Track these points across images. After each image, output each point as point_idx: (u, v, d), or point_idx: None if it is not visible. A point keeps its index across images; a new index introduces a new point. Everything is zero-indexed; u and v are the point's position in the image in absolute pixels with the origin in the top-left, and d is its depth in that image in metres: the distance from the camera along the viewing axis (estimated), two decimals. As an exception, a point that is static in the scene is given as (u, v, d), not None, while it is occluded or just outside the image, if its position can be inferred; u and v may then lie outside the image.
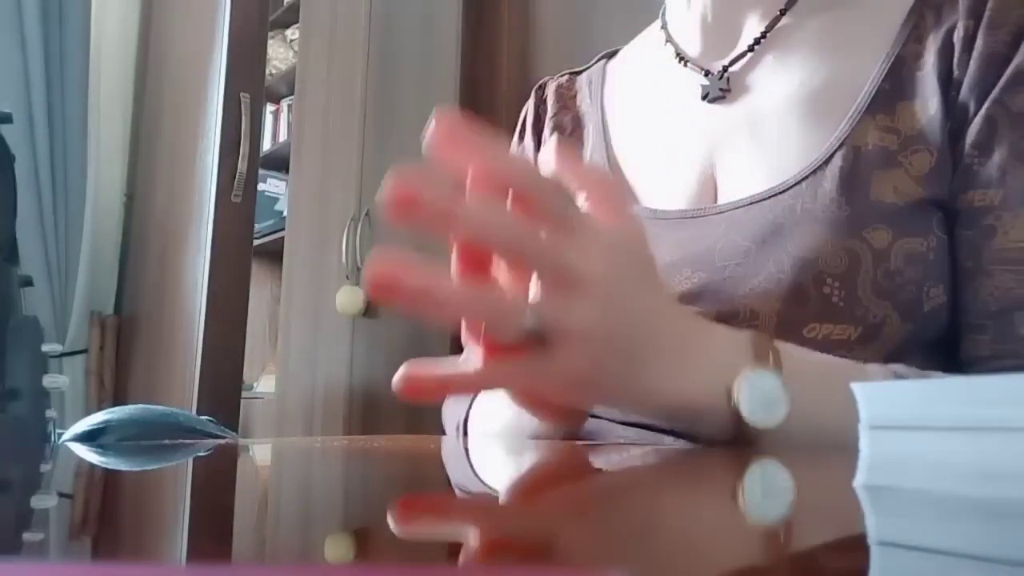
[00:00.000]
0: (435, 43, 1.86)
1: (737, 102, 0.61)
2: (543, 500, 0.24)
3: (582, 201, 0.39)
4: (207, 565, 0.15)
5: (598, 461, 0.38)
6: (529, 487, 0.29)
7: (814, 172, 0.54)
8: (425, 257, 0.33)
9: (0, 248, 1.64)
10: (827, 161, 0.54)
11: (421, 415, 1.52)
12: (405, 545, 0.17)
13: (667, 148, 0.63)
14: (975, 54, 0.52)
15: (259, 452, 0.52)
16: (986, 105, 0.52)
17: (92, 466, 0.38)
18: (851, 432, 0.24)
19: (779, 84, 0.59)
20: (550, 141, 0.40)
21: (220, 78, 2.18)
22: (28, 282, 1.86)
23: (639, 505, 0.22)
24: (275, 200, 2.76)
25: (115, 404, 2.19)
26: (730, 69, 0.61)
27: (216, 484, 0.32)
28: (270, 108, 2.86)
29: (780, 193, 0.55)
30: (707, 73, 0.62)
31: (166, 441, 0.53)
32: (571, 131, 0.71)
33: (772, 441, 0.39)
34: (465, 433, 0.60)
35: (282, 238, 2.28)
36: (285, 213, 2.33)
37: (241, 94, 2.17)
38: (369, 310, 1.90)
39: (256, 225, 2.33)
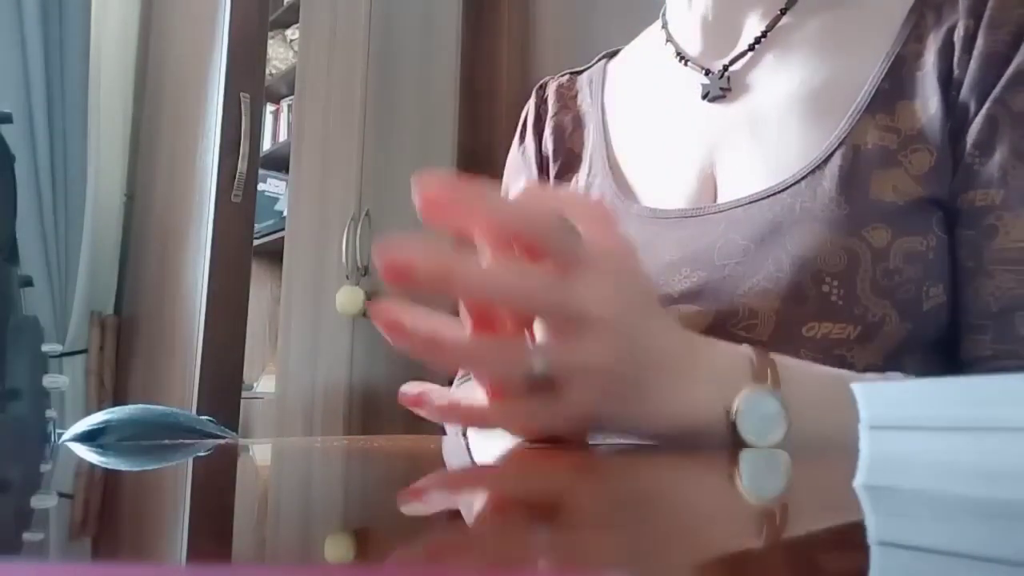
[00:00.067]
0: (435, 43, 1.86)
1: (737, 101, 0.61)
2: (543, 500, 0.24)
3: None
4: (207, 565, 0.15)
5: (598, 460, 0.38)
6: (529, 486, 0.29)
7: (813, 171, 0.54)
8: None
9: (0, 248, 1.64)
10: (827, 160, 0.54)
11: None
12: (405, 545, 0.17)
13: (667, 147, 0.63)
14: (975, 54, 0.52)
15: (259, 452, 0.52)
16: (987, 105, 0.52)
17: (92, 466, 0.38)
18: (851, 447, 0.24)
19: (779, 83, 0.59)
20: (524, 187, 0.40)
21: (220, 78, 2.18)
22: (28, 282, 1.86)
23: (639, 505, 0.22)
24: (275, 200, 2.76)
25: (115, 404, 2.19)
26: (730, 68, 0.61)
27: (216, 484, 0.32)
28: (270, 108, 2.86)
29: (779, 192, 0.55)
30: (707, 72, 0.62)
31: (166, 441, 0.53)
32: (571, 131, 0.71)
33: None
34: (464, 433, 0.60)
35: (282, 238, 2.28)
36: (285, 213, 2.33)
37: (241, 94, 2.17)
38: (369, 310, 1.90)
39: (256, 225, 2.33)
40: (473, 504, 0.24)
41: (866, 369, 0.51)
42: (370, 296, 1.90)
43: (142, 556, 0.17)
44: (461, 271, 0.35)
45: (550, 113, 0.72)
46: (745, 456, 0.36)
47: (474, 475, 0.35)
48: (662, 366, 0.39)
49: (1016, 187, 0.51)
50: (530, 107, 0.75)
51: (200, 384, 2.07)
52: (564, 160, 0.70)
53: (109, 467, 0.38)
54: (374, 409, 1.87)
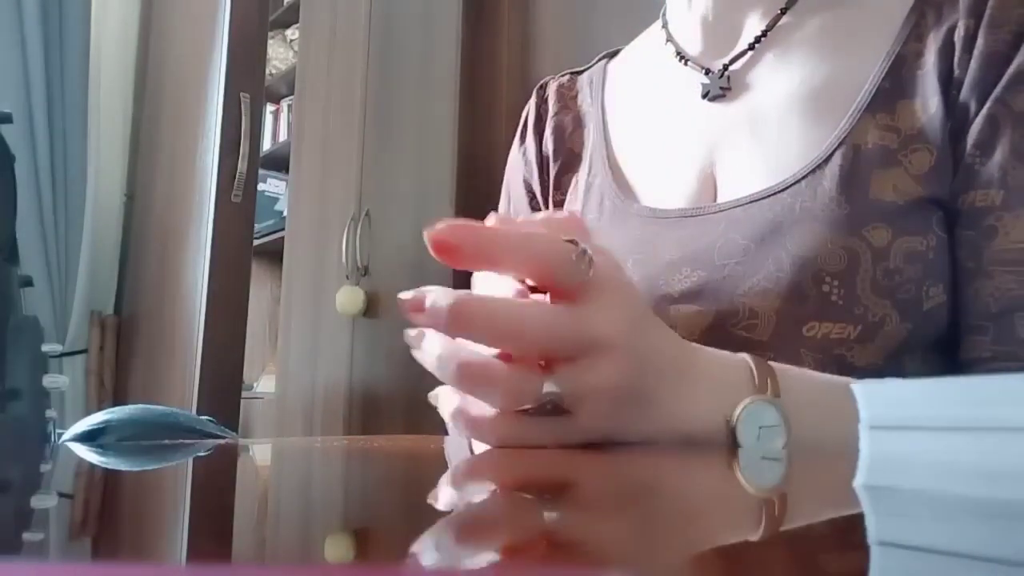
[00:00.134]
0: (435, 43, 1.86)
1: (737, 100, 0.61)
2: (543, 500, 0.24)
3: None
4: (207, 565, 0.15)
5: (598, 460, 0.38)
6: (529, 487, 0.29)
7: (814, 171, 0.54)
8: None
9: (0, 248, 1.64)
10: (827, 159, 0.54)
11: (421, 415, 1.52)
12: (405, 545, 0.17)
13: (667, 147, 0.63)
14: (976, 53, 0.52)
15: (259, 452, 0.52)
16: (987, 105, 0.52)
17: (92, 466, 0.38)
18: (851, 454, 0.24)
19: (779, 82, 0.59)
20: (489, 221, 0.40)
21: (220, 78, 2.18)
22: (28, 282, 1.86)
23: (638, 505, 0.22)
24: (275, 200, 2.76)
25: (115, 404, 2.19)
26: (730, 68, 0.61)
27: (216, 484, 0.32)
28: (270, 108, 2.86)
29: (779, 192, 0.55)
30: (707, 72, 0.62)
31: (166, 441, 0.53)
32: (572, 131, 0.71)
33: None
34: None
35: (282, 238, 2.28)
36: (285, 213, 2.33)
37: (241, 94, 2.17)
38: (369, 310, 1.90)
39: (256, 225, 2.34)
40: (473, 504, 0.24)
41: (866, 368, 0.51)
42: (370, 296, 1.90)
43: (142, 556, 0.17)
44: (480, 316, 0.36)
45: (550, 113, 0.72)
46: (745, 456, 0.36)
47: (475, 474, 0.35)
48: (664, 376, 0.39)
49: (1016, 188, 0.51)
50: (530, 107, 0.75)
51: (200, 384, 2.07)
52: (564, 160, 0.70)
53: (109, 467, 0.38)
54: (374, 409, 1.87)
